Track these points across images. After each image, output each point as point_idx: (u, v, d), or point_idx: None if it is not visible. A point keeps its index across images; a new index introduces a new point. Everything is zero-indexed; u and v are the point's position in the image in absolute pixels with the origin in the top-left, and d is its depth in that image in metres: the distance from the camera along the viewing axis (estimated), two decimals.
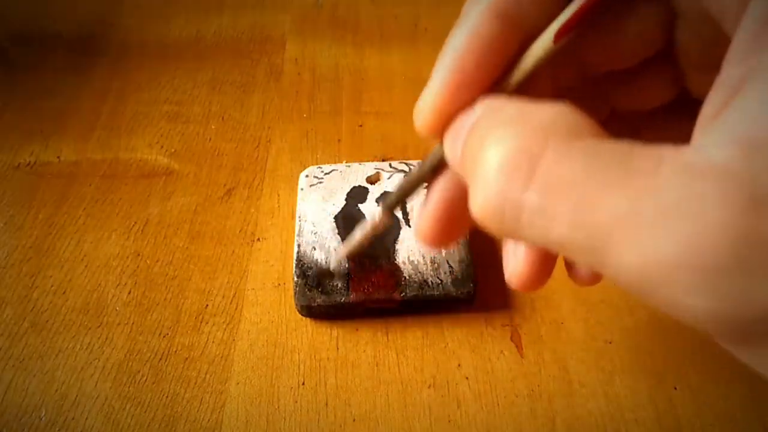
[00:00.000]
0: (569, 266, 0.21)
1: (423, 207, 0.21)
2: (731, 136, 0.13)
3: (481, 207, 0.15)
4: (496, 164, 0.15)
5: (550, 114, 0.15)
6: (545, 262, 0.21)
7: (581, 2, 0.16)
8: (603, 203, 0.13)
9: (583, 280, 0.20)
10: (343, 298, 0.28)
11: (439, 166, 0.20)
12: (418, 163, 0.20)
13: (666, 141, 0.15)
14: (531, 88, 0.18)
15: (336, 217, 0.31)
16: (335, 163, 0.35)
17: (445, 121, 0.18)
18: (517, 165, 0.14)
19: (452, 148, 0.18)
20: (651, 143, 0.14)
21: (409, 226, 0.31)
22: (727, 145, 0.13)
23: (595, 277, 0.20)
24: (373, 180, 0.33)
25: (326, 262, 0.29)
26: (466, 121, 0.18)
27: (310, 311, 0.29)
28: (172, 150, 0.36)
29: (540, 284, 0.21)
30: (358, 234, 0.22)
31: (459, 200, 0.20)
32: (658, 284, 0.13)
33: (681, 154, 0.13)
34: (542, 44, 0.17)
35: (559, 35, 0.17)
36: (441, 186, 0.20)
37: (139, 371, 0.28)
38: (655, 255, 0.12)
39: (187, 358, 0.28)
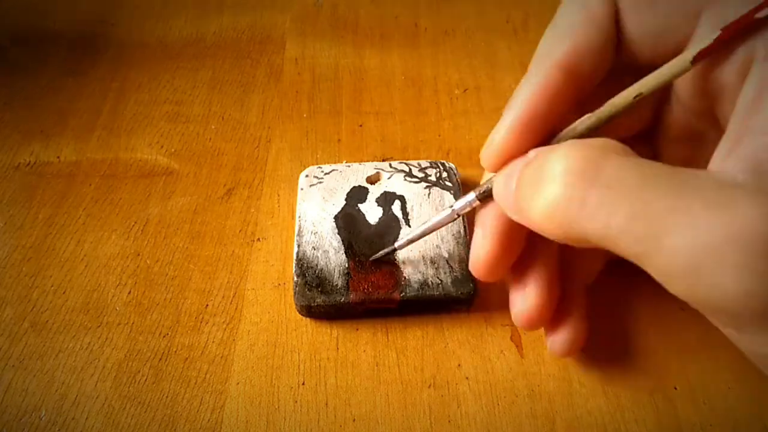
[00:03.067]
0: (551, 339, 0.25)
1: (478, 242, 0.24)
2: (744, 165, 0.17)
3: (545, 207, 0.18)
4: (562, 170, 0.18)
5: (602, 140, 0.18)
6: (548, 304, 0.24)
7: (722, 32, 0.19)
8: (659, 200, 0.16)
9: (562, 351, 0.25)
10: (343, 298, 0.28)
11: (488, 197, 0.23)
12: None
13: None
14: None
15: (336, 217, 0.31)
16: (335, 163, 0.35)
17: (506, 161, 0.22)
18: (582, 170, 0.17)
19: (505, 183, 0.21)
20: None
21: (409, 225, 0.30)
22: (743, 171, 0.17)
23: (572, 348, 0.25)
24: (373, 180, 0.33)
25: (326, 263, 0.29)
26: (520, 162, 0.21)
27: (309, 311, 0.29)
28: (172, 150, 0.36)
29: (545, 322, 0.25)
30: (435, 221, 0.26)
31: (509, 234, 0.23)
32: (707, 263, 0.15)
33: (711, 173, 0.17)
34: (679, 63, 0.20)
35: (698, 57, 0.19)
36: (491, 221, 0.23)
37: (139, 371, 0.28)
38: (706, 236, 0.15)
39: (187, 358, 0.28)
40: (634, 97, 0.20)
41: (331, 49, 0.42)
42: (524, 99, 0.21)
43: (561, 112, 0.21)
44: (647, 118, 0.25)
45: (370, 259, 0.29)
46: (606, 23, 0.21)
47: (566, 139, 0.21)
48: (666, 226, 0.16)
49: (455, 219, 0.26)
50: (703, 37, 0.19)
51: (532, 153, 0.20)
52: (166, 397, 0.27)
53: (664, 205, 0.16)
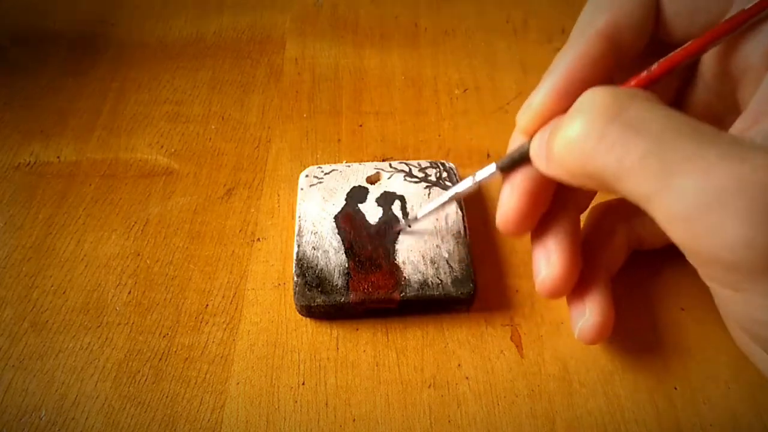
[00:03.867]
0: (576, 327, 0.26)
1: (505, 199, 0.24)
2: (761, 137, 0.18)
3: (567, 140, 0.19)
4: (587, 106, 0.19)
5: (634, 89, 0.19)
6: (571, 271, 0.25)
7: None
8: (676, 144, 0.17)
9: (589, 335, 0.25)
10: (343, 298, 0.28)
11: (519, 162, 0.24)
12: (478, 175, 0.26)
13: None
14: None
15: (336, 217, 0.31)
16: (335, 163, 0.35)
17: (542, 124, 0.22)
18: (607, 107, 0.18)
19: (540, 137, 0.22)
20: None
21: (409, 226, 0.30)
22: (762, 139, 0.18)
23: (600, 333, 0.25)
24: (373, 180, 0.33)
25: (326, 263, 0.29)
26: (557, 120, 0.21)
27: (309, 311, 0.29)
28: (172, 150, 0.36)
29: (568, 289, 0.25)
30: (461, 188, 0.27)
31: (536, 194, 0.24)
32: (713, 206, 0.16)
33: (731, 134, 0.18)
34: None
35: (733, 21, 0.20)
36: (520, 181, 0.24)
37: (139, 371, 0.28)
38: (716, 181, 0.16)
39: (187, 358, 0.28)
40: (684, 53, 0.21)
41: (331, 49, 0.42)
42: (565, 64, 0.21)
43: (599, 81, 0.22)
44: (671, 96, 0.25)
45: (419, 216, 0.29)
46: None
47: None
48: (679, 168, 0.16)
49: (474, 189, 0.27)
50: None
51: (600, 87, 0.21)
52: (166, 397, 0.27)
53: (681, 149, 0.17)
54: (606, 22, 0.21)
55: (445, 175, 0.33)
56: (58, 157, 0.36)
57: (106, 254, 0.32)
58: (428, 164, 0.33)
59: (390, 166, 0.33)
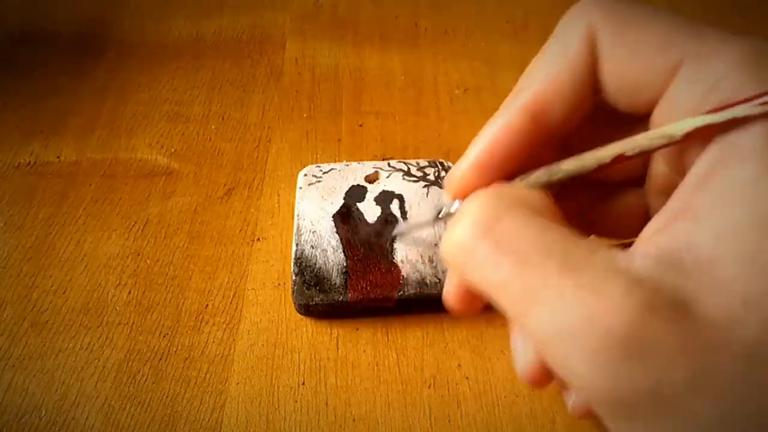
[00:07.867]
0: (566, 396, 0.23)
1: (447, 280, 0.24)
2: (656, 250, 0.16)
3: (447, 247, 0.18)
4: (468, 214, 0.18)
5: (522, 191, 0.19)
6: None
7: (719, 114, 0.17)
8: (537, 270, 0.16)
9: (582, 410, 0.22)
10: (341, 297, 0.28)
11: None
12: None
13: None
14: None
15: (334, 216, 0.31)
16: (335, 162, 0.35)
17: (469, 191, 0.22)
18: (481, 217, 0.18)
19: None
20: (599, 237, 0.20)
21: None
22: (648, 256, 0.16)
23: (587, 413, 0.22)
24: (371, 179, 0.33)
25: (325, 262, 0.29)
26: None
27: (308, 310, 0.29)
28: (172, 150, 0.36)
29: (548, 382, 0.22)
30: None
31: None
32: (563, 346, 0.15)
33: (609, 253, 0.16)
34: (666, 134, 0.18)
35: (692, 134, 0.17)
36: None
37: (139, 371, 0.28)
38: (565, 315, 0.15)
39: (187, 358, 0.28)
40: (612, 159, 0.19)
41: (331, 49, 0.42)
42: (486, 138, 0.21)
43: (529, 152, 0.21)
44: (637, 167, 0.24)
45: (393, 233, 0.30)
46: (582, 71, 0.21)
47: (539, 177, 0.21)
48: (537, 296, 0.16)
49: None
50: (681, 95, 0.18)
51: (491, 187, 0.21)
52: (166, 397, 0.27)
53: (543, 274, 0.16)
54: (532, 96, 0.21)
55: (443, 174, 0.33)
56: (58, 157, 0.36)
57: (106, 254, 0.32)
58: (427, 163, 0.33)
59: (388, 165, 0.33)
